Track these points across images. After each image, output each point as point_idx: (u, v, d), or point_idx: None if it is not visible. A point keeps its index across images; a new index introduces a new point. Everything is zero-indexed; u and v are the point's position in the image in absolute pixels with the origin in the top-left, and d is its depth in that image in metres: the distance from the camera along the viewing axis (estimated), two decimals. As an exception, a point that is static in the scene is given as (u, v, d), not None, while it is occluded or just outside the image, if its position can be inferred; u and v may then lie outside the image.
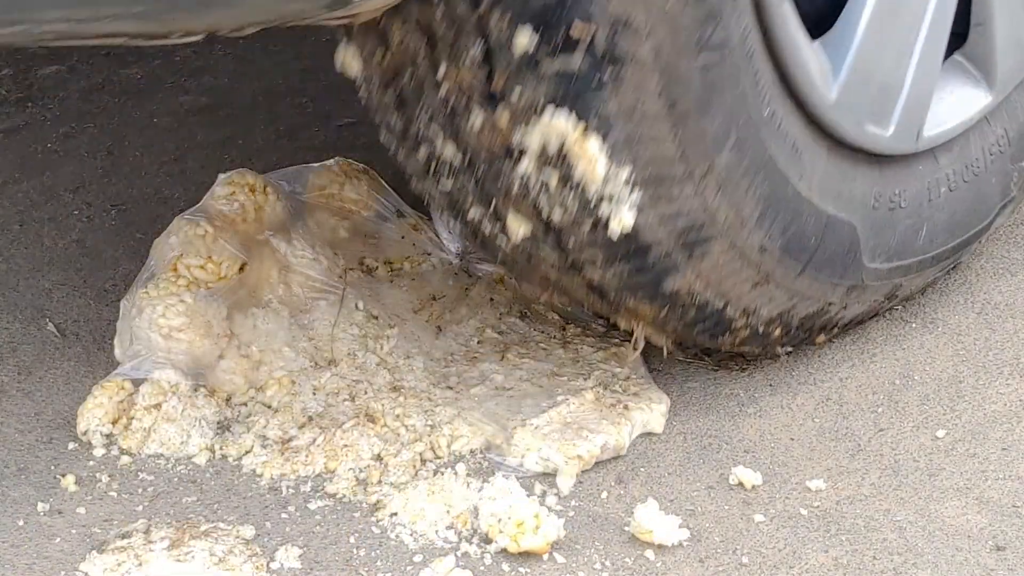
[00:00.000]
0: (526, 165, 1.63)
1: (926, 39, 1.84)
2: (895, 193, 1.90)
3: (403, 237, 2.17)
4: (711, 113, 1.64)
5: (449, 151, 1.69)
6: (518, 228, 1.72)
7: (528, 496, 1.72)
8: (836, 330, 1.99)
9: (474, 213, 1.76)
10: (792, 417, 1.93)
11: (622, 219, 1.65)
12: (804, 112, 1.76)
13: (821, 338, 1.98)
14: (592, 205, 1.64)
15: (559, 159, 1.61)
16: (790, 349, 1.98)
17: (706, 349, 2.07)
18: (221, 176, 2.08)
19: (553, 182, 1.63)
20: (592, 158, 1.60)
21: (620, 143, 1.60)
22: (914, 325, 2.08)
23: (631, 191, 1.63)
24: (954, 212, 1.99)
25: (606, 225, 1.66)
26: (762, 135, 1.70)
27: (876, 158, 1.87)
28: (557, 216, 1.67)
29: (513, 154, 1.63)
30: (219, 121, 2.78)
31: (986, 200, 2.04)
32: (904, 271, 1.96)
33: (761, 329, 1.88)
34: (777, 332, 1.90)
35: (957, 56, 1.98)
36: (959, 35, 1.97)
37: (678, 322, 1.83)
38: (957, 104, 1.97)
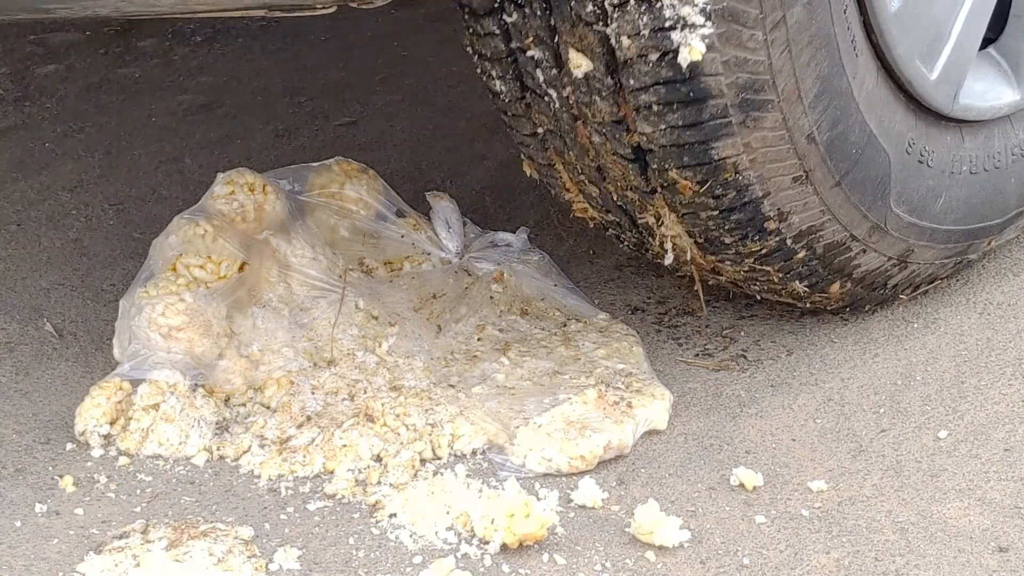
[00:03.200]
0: None
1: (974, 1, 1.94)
2: (925, 148, 1.95)
3: (403, 237, 2.17)
4: None
5: None
6: (579, 65, 1.73)
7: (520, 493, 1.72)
8: (849, 283, 1.98)
9: (534, 53, 1.77)
10: (794, 418, 1.92)
11: (692, 48, 1.67)
12: (865, 15, 1.82)
13: (835, 287, 1.97)
14: (665, 28, 1.66)
15: None
16: (806, 289, 1.96)
17: (707, 349, 2.06)
18: (220, 175, 2.08)
19: None
20: None
21: None
22: (916, 325, 2.07)
23: (705, 20, 1.66)
24: (971, 195, 2.03)
25: (674, 56, 1.67)
26: (831, 9, 1.75)
27: (915, 105, 1.93)
28: (624, 45, 1.68)
29: None
30: (218, 120, 2.78)
31: (1003, 197, 2.08)
32: (919, 233, 1.99)
33: (788, 243, 1.87)
34: (801, 253, 1.90)
35: (991, 50, 2.07)
36: (990, 41, 2.07)
37: (714, 207, 1.82)
38: (988, 90, 2.04)
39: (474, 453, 1.85)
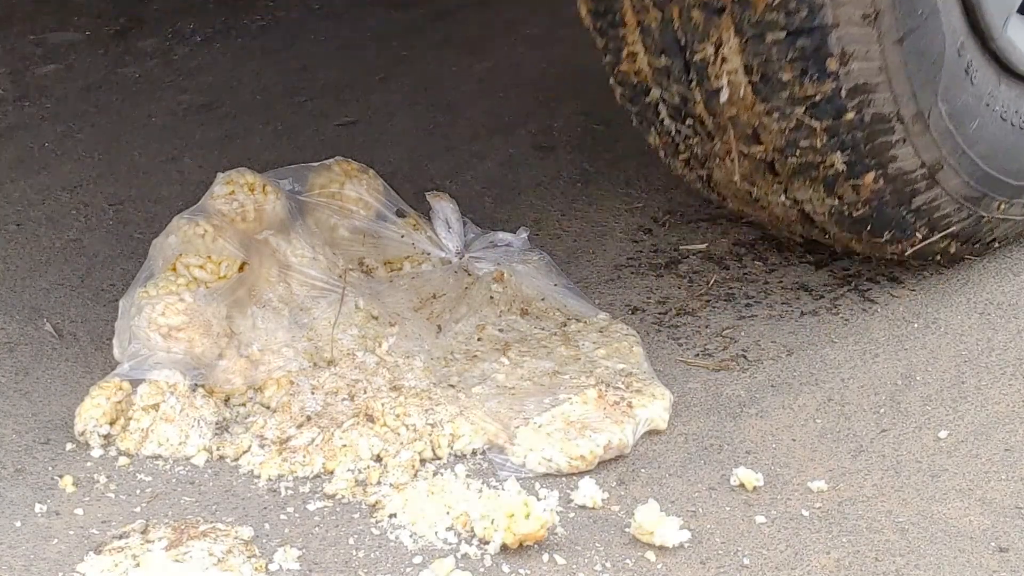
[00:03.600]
0: None
1: None
2: (972, 62, 1.97)
3: (403, 237, 2.17)
4: None
5: None
6: None
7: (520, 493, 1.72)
8: (882, 180, 1.97)
9: None
10: (794, 418, 1.92)
11: None
12: None
13: (869, 178, 1.95)
14: None
15: None
16: (843, 167, 1.94)
17: (707, 349, 2.06)
18: (220, 175, 2.08)
19: None
20: None
21: None
22: (916, 325, 2.07)
23: None
24: (996, 139, 2.04)
25: None
26: None
27: (971, 17, 1.96)
28: None
29: None
30: (217, 120, 2.78)
31: (1021, 160, 2.09)
32: (951, 149, 1.99)
33: (842, 96, 1.87)
34: (850, 115, 1.89)
35: None
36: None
37: (783, 26, 1.81)
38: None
39: (474, 453, 1.85)
